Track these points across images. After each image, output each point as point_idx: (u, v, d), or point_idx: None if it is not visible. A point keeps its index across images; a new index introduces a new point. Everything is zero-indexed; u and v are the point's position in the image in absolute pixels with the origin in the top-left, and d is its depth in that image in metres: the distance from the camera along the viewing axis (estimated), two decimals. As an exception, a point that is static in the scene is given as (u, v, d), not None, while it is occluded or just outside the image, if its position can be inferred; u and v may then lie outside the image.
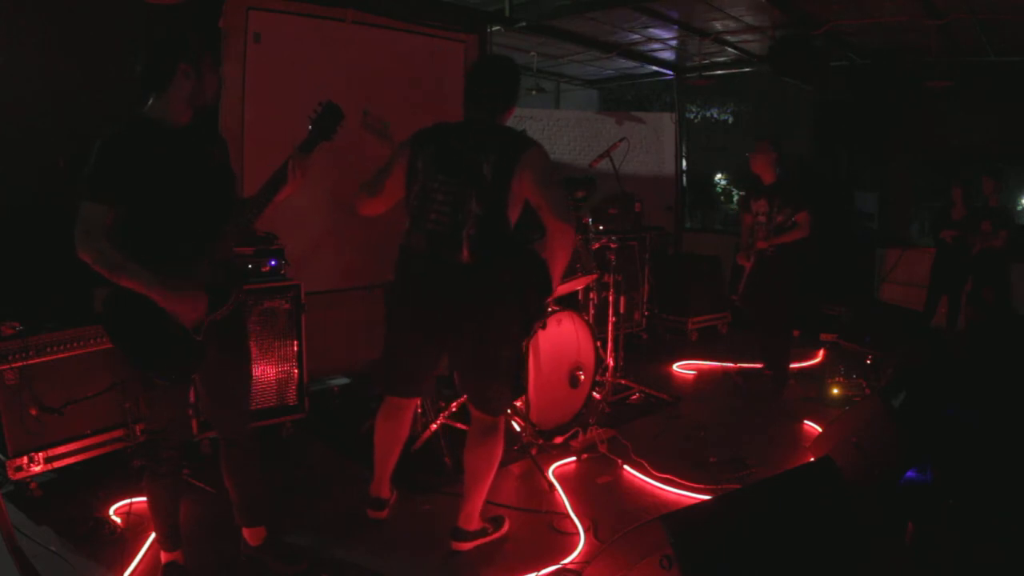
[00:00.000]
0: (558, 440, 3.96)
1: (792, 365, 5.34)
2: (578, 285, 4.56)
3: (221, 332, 2.39)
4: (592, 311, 4.87)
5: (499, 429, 2.87)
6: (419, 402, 3.16)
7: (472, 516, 2.92)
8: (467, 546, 2.91)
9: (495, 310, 2.69)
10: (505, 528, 3.05)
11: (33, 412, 3.20)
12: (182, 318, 2.23)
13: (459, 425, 3.95)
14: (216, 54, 4.33)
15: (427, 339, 2.84)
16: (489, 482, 2.90)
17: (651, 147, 8.73)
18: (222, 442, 2.64)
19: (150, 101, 2.29)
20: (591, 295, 4.89)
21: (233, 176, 2.49)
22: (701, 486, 3.44)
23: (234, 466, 2.65)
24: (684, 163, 8.88)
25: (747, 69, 8.35)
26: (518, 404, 3.90)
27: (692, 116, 9.45)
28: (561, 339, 4.08)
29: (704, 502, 2.57)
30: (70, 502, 3.20)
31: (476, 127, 2.72)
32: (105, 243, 2.13)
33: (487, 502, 3.33)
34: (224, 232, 2.31)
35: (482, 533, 2.96)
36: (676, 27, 6.76)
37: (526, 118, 8.26)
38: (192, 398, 2.74)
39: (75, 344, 3.34)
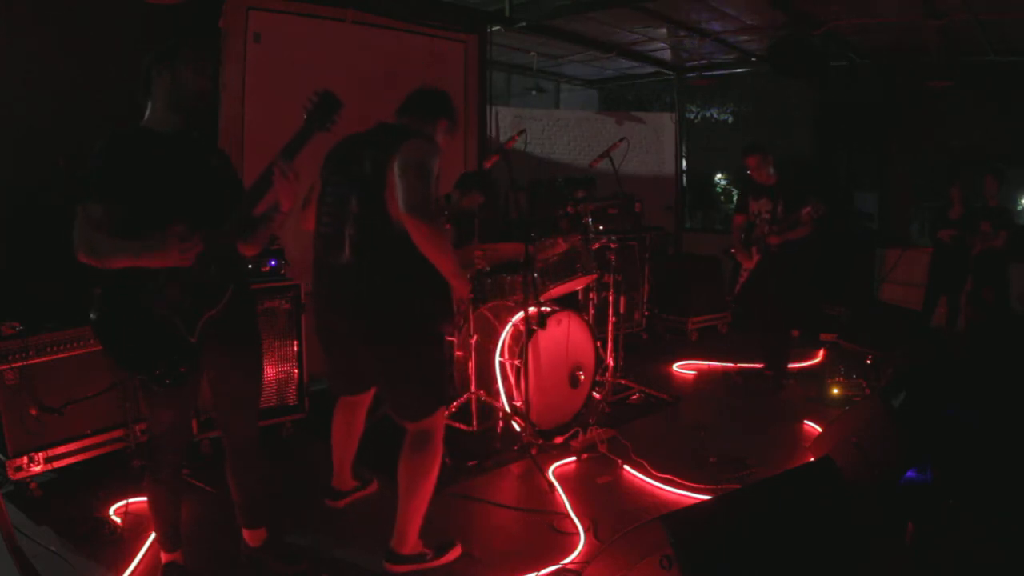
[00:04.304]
0: (558, 440, 3.96)
1: (792, 365, 5.35)
2: (578, 285, 4.57)
3: (223, 331, 2.34)
4: (592, 311, 4.87)
5: (432, 441, 2.68)
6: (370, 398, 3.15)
7: (405, 537, 2.71)
8: (399, 569, 2.71)
9: (381, 312, 2.58)
10: (452, 555, 2.82)
11: (33, 412, 3.20)
12: (179, 260, 2.13)
13: (459, 425, 3.96)
14: (215, 54, 4.31)
15: (336, 342, 2.85)
16: (423, 499, 2.70)
17: (651, 147, 8.73)
18: (227, 446, 2.63)
19: (146, 112, 2.30)
20: (591, 295, 4.89)
21: (236, 185, 2.45)
22: (701, 486, 3.44)
23: (238, 469, 2.65)
24: (684, 163, 8.88)
25: (747, 69, 8.36)
26: (518, 404, 3.90)
27: (692, 116, 9.43)
28: (561, 339, 4.08)
29: (704, 502, 2.56)
30: (70, 502, 3.20)
31: (379, 128, 2.69)
32: (96, 233, 2.11)
33: (485, 501, 3.35)
34: (217, 232, 2.26)
35: (418, 558, 2.74)
36: (676, 27, 6.76)
37: (526, 118, 8.25)
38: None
39: (75, 344, 3.34)
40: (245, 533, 2.74)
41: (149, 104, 2.30)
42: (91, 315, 2.19)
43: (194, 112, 2.32)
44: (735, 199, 5.94)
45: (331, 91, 2.34)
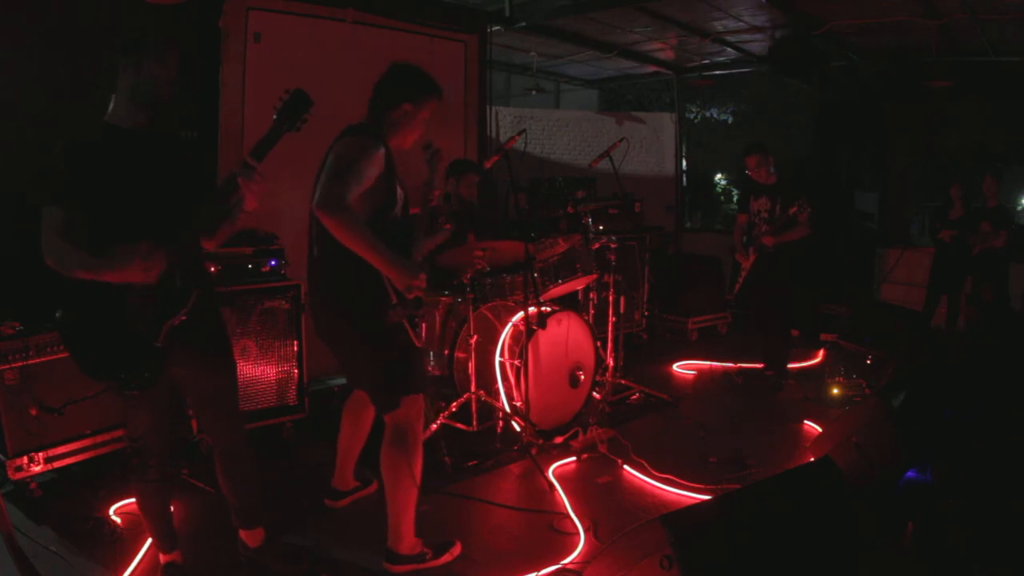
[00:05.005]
0: (558, 440, 3.96)
1: (792, 365, 5.35)
2: (578, 285, 4.57)
3: (191, 336, 2.28)
4: (592, 311, 4.87)
5: (407, 438, 2.66)
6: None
7: (399, 535, 2.71)
8: (399, 569, 2.71)
9: (331, 305, 2.66)
10: (451, 555, 2.82)
11: (33, 412, 3.20)
12: (143, 277, 2.09)
13: (459, 425, 3.96)
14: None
15: (321, 339, 2.85)
16: (407, 494, 2.68)
17: (651, 147, 8.74)
18: (214, 449, 2.62)
19: (111, 106, 2.25)
20: (591, 295, 4.89)
21: (206, 180, 2.39)
22: (701, 486, 3.44)
23: (227, 472, 2.62)
24: (684, 163, 8.88)
25: (747, 69, 8.36)
26: (518, 404, 3.90)
27: (692, 116, 9.45)
28: (561, 339, 4.08)
29: (704, 502, 2.56)
30: (70, 502, 3.20)
31: (343, 130, 2.68)
32: (62, 242, 2.08)
33: (485, 501, 3.35)
34: (181, 236, 2.21)
35: (418, 558, 2.74)
36: (676, 27, 6.77)
37: (526, 118, 8.26)
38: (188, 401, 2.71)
39: (75, 344, 3.33)
40: (243, 534, 2.73)
41: (113, 97, 2.23)
42: (57, 320, 2.16)
43: (160, 108, 2.24)
44: (736, 199, 5.97)
45: (302, 89, 2.28)
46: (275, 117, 2.25)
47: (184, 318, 2.23)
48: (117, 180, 2.15)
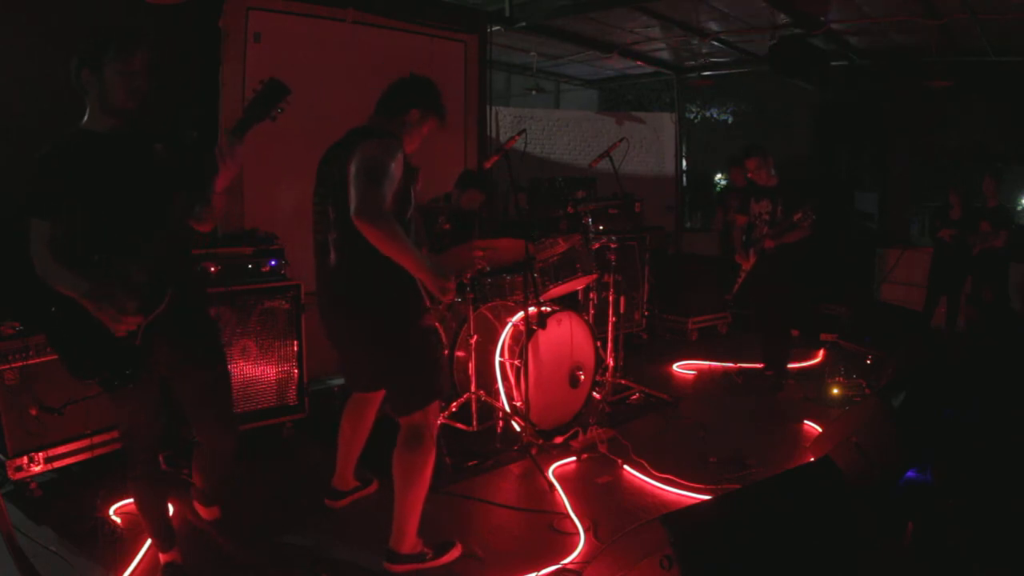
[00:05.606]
0: (558, 440, 3.96)
1: (792, 365, 5.35)
2: (578, 285, 4.57)
3: (175, 333, 2.28)
4: (592, 311, 4.87)
5: (423, 440, 2.68)
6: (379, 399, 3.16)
7: (403, 536, 2.71)
8: (398, 568, 2.71)
9: (364, 311, 2.64)
10: (451, 555, 2.83)
11: (33, 412, 3.20)
12: (111, 328, 2.13)
13: (459, 425, 3.96)
14: (214, 52, 4.29)
15: (339, 342, 2.89)
16: (417, 497, 2.70)
17: (651, 147, 8.74)
18: (205, 445, 2.62)
19: (86, 112, 2.24)
20: (591, 295, 4.89)
21: (188, 171, 2.33)
22: (701, 486, 3.44)
23: (208, 465, 2.65)
24: (684, 163, 8.89)
25: (747, 69, 8.37)
26: (518, 404, 3.90)
27: (692, 116, 9.45)
28: (561, 339, 4.08)
29: (704, 502, 2.56)
30: (70, 502, 3.20)
31: (349, 132, 2.68)
32: (47, 255, 2.10)
33: (485, 501, 3.35)
34: (156, 235, 2.21)
35: (418, 558, 2.74)
36: (676, 27, 6.77)
37: (526, 118, 8.27)
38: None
39: (75, 344, 3.33)
40: (197, 506, 2.76)
41: (88, 103, 2.23)
42: (41, 318, 2.19)
43: (130, 110, 2.21)
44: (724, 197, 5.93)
45: (277, 78, 2.26)
46: (245, 107, 2.23)
47: (163, 311, 2.22)
48: (93, 186, 2.15)
